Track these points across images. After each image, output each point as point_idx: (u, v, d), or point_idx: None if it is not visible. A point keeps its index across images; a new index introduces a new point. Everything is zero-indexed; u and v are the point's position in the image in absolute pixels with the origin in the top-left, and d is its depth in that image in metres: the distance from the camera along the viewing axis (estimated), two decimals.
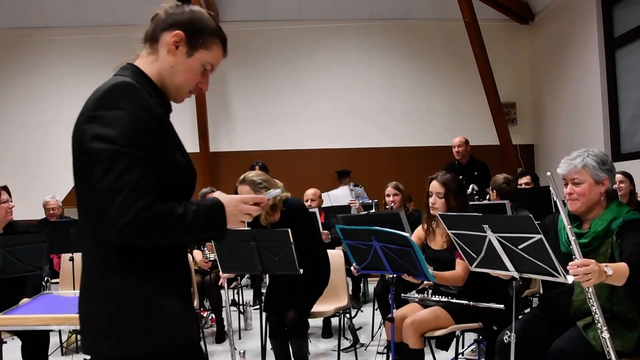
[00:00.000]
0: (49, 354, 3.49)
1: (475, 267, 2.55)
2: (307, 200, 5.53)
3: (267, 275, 4.04)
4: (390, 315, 3.09)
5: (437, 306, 3.13)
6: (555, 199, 2.32)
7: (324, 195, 6.05)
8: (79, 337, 4.63)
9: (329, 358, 4.43)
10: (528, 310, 4.09)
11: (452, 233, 2.54)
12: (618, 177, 4.58)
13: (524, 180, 5.14)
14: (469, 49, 7.98)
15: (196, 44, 1.52)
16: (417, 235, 3.46)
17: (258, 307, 5.53)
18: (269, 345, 3.75)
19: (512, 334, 2.47)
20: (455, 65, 8.73)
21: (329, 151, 8.73)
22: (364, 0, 8.68)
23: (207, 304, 5.20)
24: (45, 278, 4.04)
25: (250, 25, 8.65)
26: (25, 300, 3.35)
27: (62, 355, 4.59)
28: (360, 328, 5.09)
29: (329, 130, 8.77)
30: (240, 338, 4.99)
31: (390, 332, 3.07)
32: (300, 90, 8.80)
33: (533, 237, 2.22)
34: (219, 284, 4.43)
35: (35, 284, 3.85)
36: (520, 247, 2.28)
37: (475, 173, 6.35)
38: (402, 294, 3.29)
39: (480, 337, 3.20)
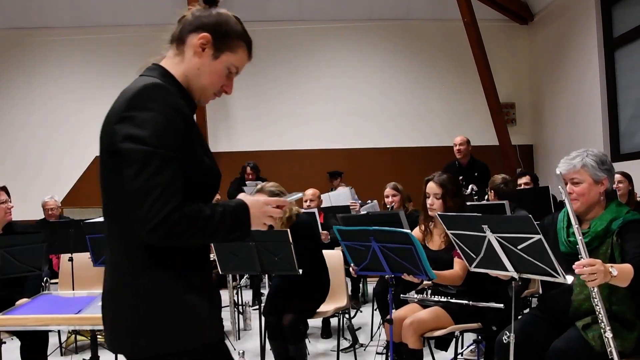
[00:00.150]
0: (48, 354, 3.49)
1: (475, 267, 2.55)
2: (306, 201, 5.53)
3: (266, 276, 4.06)
4: (389, 317, 3.08)
5: (436, 306, 3.13)
6: (563, 198, 2.33)
7: (324, 196, 6.05)
8: (78, 337, 4.63)
9: (328, 358, 4.43)
10: (527, 310, 4.08)
11: (451, 233, 2.54)
12: (617, 177, 4.58)
13: (523, 181, 5.14)
14: (469, 49, 7.98)
15: (222, 47, 1.55)
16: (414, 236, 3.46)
17: (257, 307, 5.52)
18: (268, 346, 3.75)
19: (512, 334, 2.46)
20: (455, 65, 8.73)
21: (329, 151, 8.73)
22: (364, 1, 8.67)
23: None
24: (45, 278, 4.04)
25: (250, 25, 8.33)
26: (22, 300, 3.34)
27: (61, 355, 4.58)
28: (359, 328, 5.09)
29: (328, 131, 8.77)
30: (239, 338, 4.99)
31: (389, 332, 3.07)
32: (300, 90, 8.80)
33: (532, 238, 2.23)
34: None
35: (35, 284, 3.85)
36: (519, 247, 2.29)
37: (476, 174, 6.32)
38: (401, 295, 3.29)
39: (480, 338, 3.19)
